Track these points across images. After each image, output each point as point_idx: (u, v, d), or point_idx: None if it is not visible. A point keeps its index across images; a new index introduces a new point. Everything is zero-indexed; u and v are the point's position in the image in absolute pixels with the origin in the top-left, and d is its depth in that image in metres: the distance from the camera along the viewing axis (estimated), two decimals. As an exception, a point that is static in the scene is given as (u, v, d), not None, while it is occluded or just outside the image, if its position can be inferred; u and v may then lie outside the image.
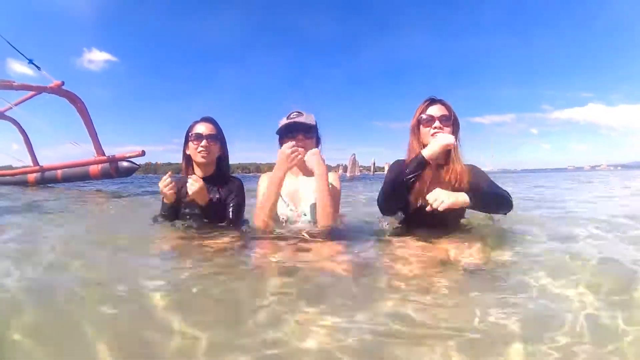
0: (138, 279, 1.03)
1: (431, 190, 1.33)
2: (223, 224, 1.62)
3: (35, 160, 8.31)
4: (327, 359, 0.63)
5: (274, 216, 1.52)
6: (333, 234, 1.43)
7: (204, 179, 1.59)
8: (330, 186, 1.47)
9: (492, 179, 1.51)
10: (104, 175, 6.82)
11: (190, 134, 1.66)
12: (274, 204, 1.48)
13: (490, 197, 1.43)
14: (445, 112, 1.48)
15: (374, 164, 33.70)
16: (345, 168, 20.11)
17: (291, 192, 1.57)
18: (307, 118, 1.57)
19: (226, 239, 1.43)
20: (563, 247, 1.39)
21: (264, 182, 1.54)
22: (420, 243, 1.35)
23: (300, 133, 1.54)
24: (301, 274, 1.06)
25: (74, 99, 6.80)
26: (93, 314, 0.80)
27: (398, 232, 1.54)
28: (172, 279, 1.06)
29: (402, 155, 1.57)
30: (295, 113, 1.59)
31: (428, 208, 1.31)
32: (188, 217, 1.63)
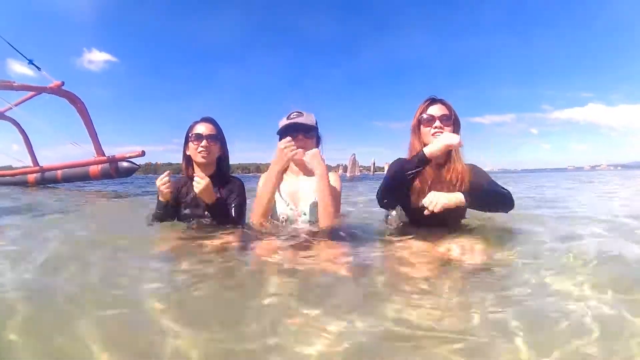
0: (137, 279, 1.03)
1: (432, 190, 1.33)
2: (225, 224, 1.61)
3: (35, 161, 8.33)
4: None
5: (272, 215, 1.52)
6: (334, 234, 1.42)
7: None
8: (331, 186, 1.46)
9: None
10: (104, 176, 6.84)
11: (190, 134, 1.65)
12: (270, 200, 1.49)
13: (490, 196, 1.43)
14: (446, 112, 1.48)
15: (374, 164, 33.66)
16: (345, 168, 20.10)
17: (291, 191, 1.57)
18: (307, 118, 1.57)
19: (226, 240, 1.42)
20: (565, 247, 1.38)
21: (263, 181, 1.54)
22: (421, 243, 1.34)
23: (300, 133, 1.54)
24: (302, 275, 1.05)
25: (74, 99, 6.81)
26: (91, 315, 0.79)
27: (399, 232, 1.53)
28: (171, 280, 1.06)
29: (403, 155, 1.56)
30: (295, 113, 1.59)
31: (426, 212, 1.32)
32: (188, 218, 1.63)
